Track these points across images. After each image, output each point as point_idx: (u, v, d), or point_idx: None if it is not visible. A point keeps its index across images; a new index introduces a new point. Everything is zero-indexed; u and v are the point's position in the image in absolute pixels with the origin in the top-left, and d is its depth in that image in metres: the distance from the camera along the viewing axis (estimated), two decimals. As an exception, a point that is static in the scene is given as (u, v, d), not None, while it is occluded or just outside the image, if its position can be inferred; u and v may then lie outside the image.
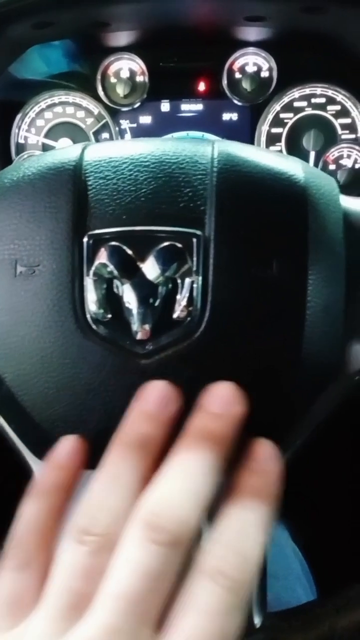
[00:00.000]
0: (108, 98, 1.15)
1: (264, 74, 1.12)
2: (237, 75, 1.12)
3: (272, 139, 1.14)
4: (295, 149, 1.14)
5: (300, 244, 0.42)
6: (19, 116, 1.16)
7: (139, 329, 0.41)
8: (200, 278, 0.41)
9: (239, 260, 0.42)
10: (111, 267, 0.42)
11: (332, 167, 1.12)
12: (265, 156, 0.45)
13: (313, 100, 1.12)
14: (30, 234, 0.44)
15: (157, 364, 0.41)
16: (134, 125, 1.17)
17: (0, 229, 0.44)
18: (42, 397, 0.43)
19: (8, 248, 0.44)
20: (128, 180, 0.44)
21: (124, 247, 0.42)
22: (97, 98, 1.15)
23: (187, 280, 0.41)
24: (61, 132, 1.17)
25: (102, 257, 0.42)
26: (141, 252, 0.42)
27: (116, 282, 0.42)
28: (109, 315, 0.42)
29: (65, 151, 0.48)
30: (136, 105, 1.14)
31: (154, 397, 0.39)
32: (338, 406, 0.46)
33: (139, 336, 0.41)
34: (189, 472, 0.34)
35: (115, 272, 0.42)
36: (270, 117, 1.13)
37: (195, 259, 0.41)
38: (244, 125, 1.15)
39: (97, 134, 1.17)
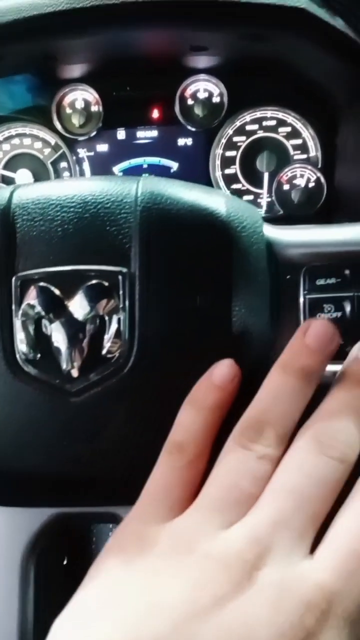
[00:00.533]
0: (64, 128, 1.16)
1: (216, 99, 1.14)
2: (190, 101, 1.14)
3: (227, 162, 1.17)
4: (249, 170, 1.16)
5: (223, 276, 0.43)
6: (-24, 149, 1.17)
7: (68, 367, 0.42)
8: (126, 314, 0.42)
9: (164, 295, 0.43)
10: (39, 308, 0.43)
11: (286, 187, 1.15)
12: (189, 192, 0.46)
13: (264, 123, 1.15)
14: None
15: (88, 401, 0.42)
16: (91, 153, 1.19)
17: None
18: None
19: None
20: (55, 221, 0.45)
21: (51, 287, 0.43)
22: (53, 129, 1.16)
23: (115, 317, 0.43)
24: (19, 164, 1.18)
25: (31, 297, 0.43)
26: (68, 291, 0.43)
27: (44, 321, 0.43)
28: (39, 355, 0.43)
29: None
30: (92, 134, 1.16)
31: (318, 332, 0.39)
32: None
33: (68, 374, 0.42)
34: (352, 405, 0.36)
35: (43, 312, 0.43)
36: (223, 140, 1.16)
37: (121, 295, 0.43)
38: (198, 149, 1.18)
39: (55, 163, 1.18)
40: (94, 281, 0.43)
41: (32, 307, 0.43)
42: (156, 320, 0.42)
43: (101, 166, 1.19)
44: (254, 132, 1.15)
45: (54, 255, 0.44)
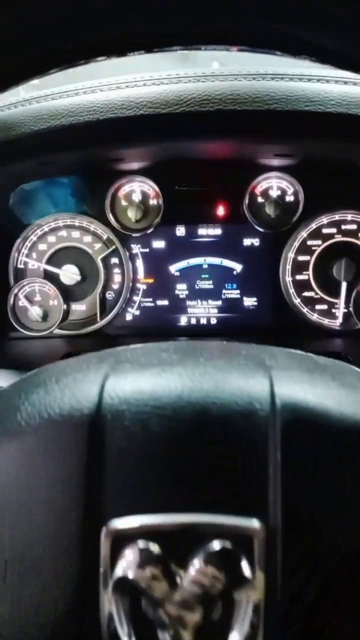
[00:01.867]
0: (118, 222, 1.05)
1: (289, 198, 1.02)
2: (260, 199, 1.02)
3: (299, 267, 1.03)
4: (323, 278, 1.03)
5: None
6: (19, 240, 1.06)
7: None
8: (262, 596, 0.28)
9: (318, 561, 0.28)
10: (138, 579, 0.29)
11: (366, 298, 1.01)
12: (339, 395, 0.33)
13: (344, 227, 1.02)
14: (26, 520, 0.31)
15: None
16: (146, 250, 1.07)
17: None
18: None
19: None
20: (159, 442, 0.32)
21: (155, 549, 0.29)
22: (105, 222, 1.05)
23: (245, 598, 0.28)
24: (65, 258, 1.06)
25: (126, 561, 0.29)
26: (180, 555, 0.30)
27: (143, 598, 0.30)
28: None
29: (79, 386, 0.35)
30: (149, 231, 1.04)
31: None
32: None
33: None
34: None
35: (143, 586, 0.30)
36: (296, 244, 1.03)
37: (256, 566, 0.28)
38: (266, 251, 1.05)
39: (105, 259, 1.06)
40: (216, 543, 0.30)
41: (127, 578, 0.29)
42: (312, 610, 0.28)
43: (156, 264, 1.07)
44: (331, 235, 1.02)
45: (159, 496, 0.31)
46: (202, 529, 0.31)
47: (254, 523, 0.30)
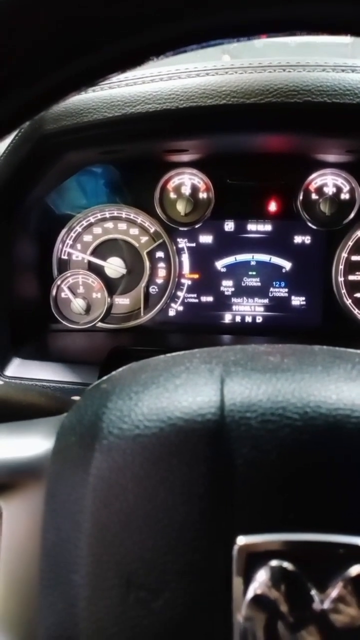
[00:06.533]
0: (166, 215, 1.02)
1: (345, 195, 0.99)
2: (314, 196, 0.99)
3: (352, 267, 1.01)
4: (378, 279, 1.00)
5: None
6: (63, 231, 1.03)
7: None
8: None
9: None
10: (275, 603, 0.27)
11: None
12: None
13: None
14: (149, 536, 0.29)
15: None
16: (193, 244, 1.04)
17: (102, 516, 0.29)
18: None
19: (118, 556, 0.28)
20: (292, 453, 0.29)
21: (294, 569, 0.26)
22: (153, 214, 1.02)
23: None
24: (110, 250, 1.04)
25: (260, 583, 0.27)
26: (319, 578, 0.27)
27: (280, 625, 0.27)
28: None
29: (196, 389, 0.32)
30: (197, 225, 1.01)
31: None
32: None
33: None
34: None
35: (283, 611, 0.27)
36: (350, 243, 1.00)
37: None
38: (318, 250, 1.02)
39: (151, 253, 1.03)
40: (357, 567, 0.27)
41: (264, 601, 0.27)
42: None
43: (203, 260, 1.04)
44: (387, 235, 0.99)
45: (294, 513, 0.28)
46: (344, 550, 0.28)
47: None
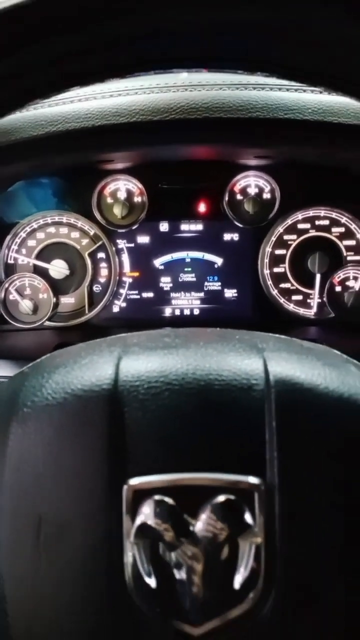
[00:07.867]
0: (104, 219, 1.09)
1: (266, 195, 1.09)
2: (239, 196, 1.09)
3: (276, 261, 1.10)
4: (299, 270, 1.10)
5: None
6: (8, 237, 1.10)
7: (191, 605, 0.33)
8: (263, 540, 0.34)
9: (315, 515, 0.34)
10: (157, 528, 0.34)
11: (338, 289, 1.08)
12: (323, 371, 0.39)
13: (317, 222, 1.09)
14: (55, 481, 0.36)
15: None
16: (132, 245, 1.12)
17: (19, 471, 0.36)
18: None
19: (31, 503, 0.36)
20: (171, 411, 0.37)
21: (171, 502, 0.34)
22: (92, 218, 1.10)
23: (248, 543, 0.34)
24: (54, 253, 1.11)
25: (145, 513, 0.34)
26: (191, 507, 0.35)
27: (162, 544, 0.35)
28: (153, 586, 0.34)
29: (96, 366, 0.40)
30: (134, 227, 1.09)
31: None
32: None
33: (190, 614, 0.33)
34: None
35: (162, 534, 0.34)
36: (273, 238, 1.09)
37: (257, 515, 0.34)
38: (245, 246, 1.11)
39: (92, 254, 1.11)
40: (222, 497, 0.35)
41: (149, 527, 0.34)
42: (301, 544, 0.34)
43: (141, 259, 1.12)
44: (305, 231, 1.09)
45: (173, 457, 0.36)
46: (210, 485, 0.35)
47: (254, 479, 0.36)
